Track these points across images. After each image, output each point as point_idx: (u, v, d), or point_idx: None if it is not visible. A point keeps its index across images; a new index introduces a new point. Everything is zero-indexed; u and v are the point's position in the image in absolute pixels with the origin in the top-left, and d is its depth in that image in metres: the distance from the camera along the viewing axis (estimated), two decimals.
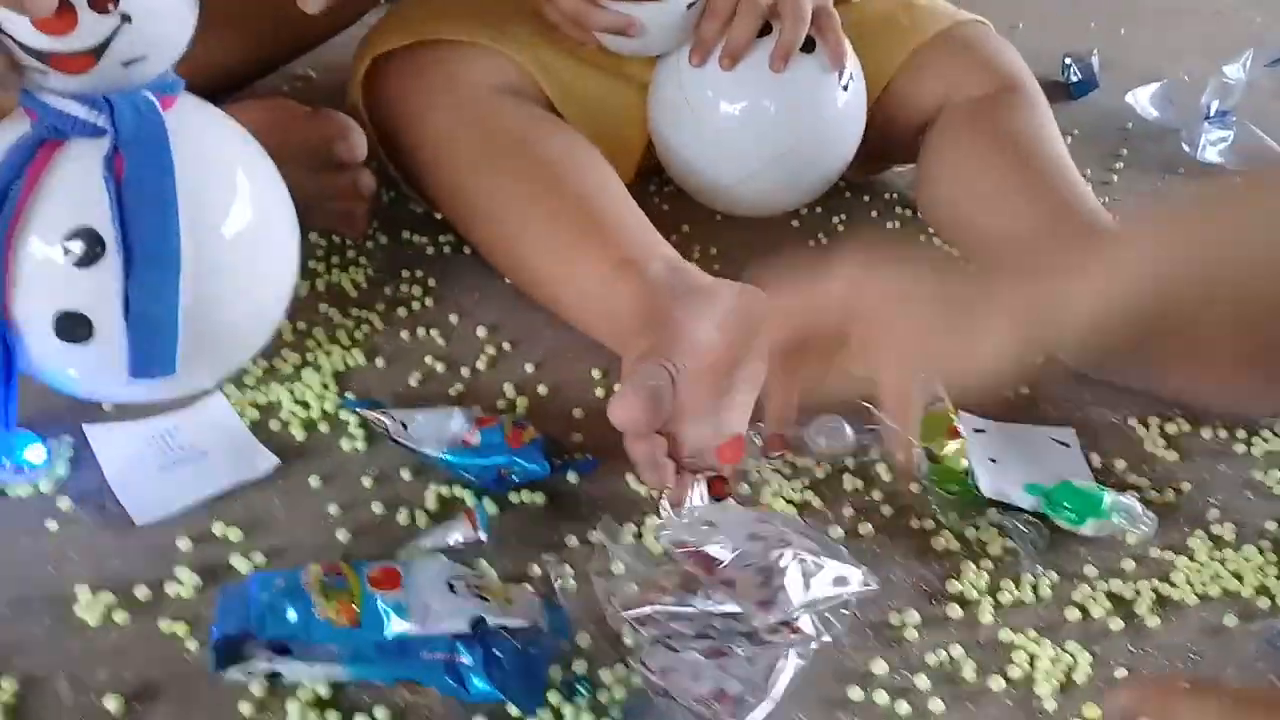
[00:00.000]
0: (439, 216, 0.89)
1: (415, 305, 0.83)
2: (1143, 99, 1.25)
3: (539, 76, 0.86)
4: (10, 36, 0.56)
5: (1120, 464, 0.75)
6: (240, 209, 0.64)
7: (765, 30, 0.84)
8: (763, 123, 0.87)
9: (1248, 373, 0.74)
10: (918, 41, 0.96)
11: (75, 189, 0.59)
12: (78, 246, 0.59)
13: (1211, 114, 1.19)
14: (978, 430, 0.74)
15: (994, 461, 0.71)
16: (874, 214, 1.02)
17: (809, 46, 0.85)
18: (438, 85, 0.83)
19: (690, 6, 0.83)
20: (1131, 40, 1.56)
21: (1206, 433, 0.77)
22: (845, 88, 0.88)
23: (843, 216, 0.99)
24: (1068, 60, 1.31)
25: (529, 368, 0.78)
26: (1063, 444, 0.75)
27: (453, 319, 0.82)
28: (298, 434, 0.69)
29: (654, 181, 0.97)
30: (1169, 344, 0.75)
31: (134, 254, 0.59)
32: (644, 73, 0.90)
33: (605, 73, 0.89)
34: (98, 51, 0.57)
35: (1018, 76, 0.96)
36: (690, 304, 0.69)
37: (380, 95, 0.86)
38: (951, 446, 0.69)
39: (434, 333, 0.80)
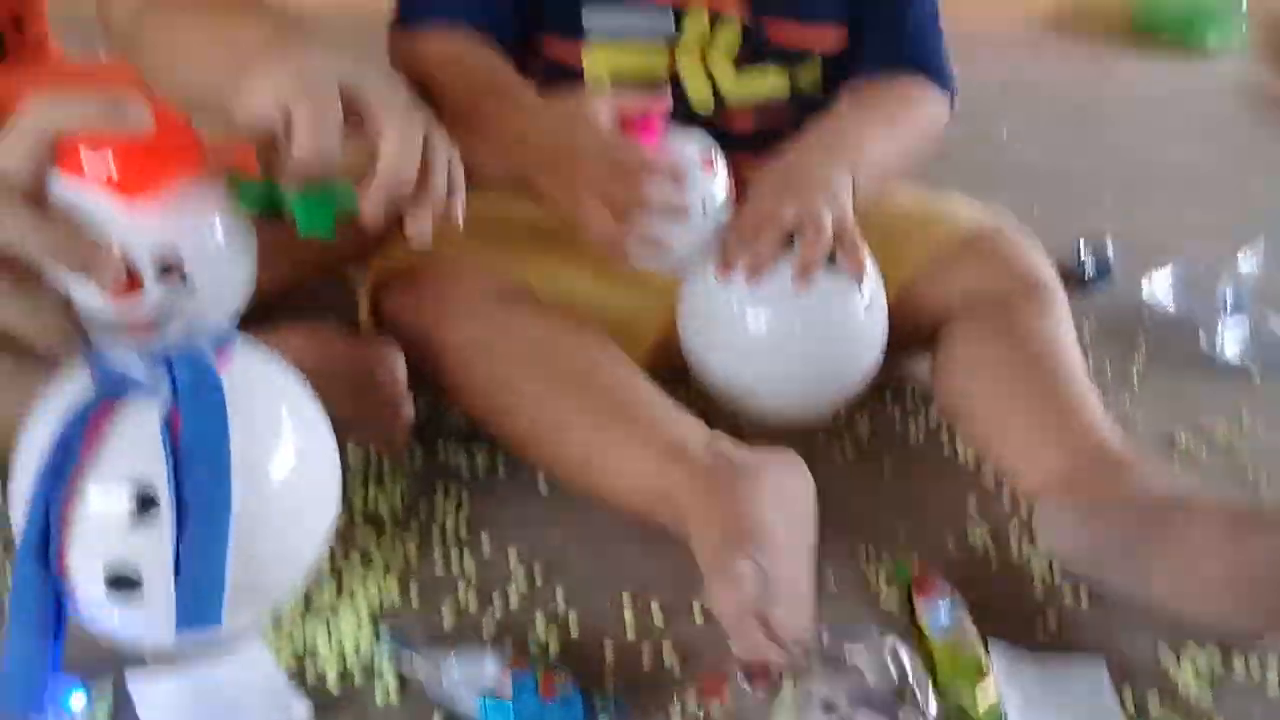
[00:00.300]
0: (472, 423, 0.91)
1: (450, 525, 0.84)
2: (1159, 287, 1.28)
3: (537, 285, 0.89)
4: (77, 301, 0.59)
5: (1152, 701, 0.74)
6: (287, 457, 0.65)
7: (789, 242, 0.87)
8: (786, 335, 0.89)
9: (1233, 585, 0.74)
10: (938, 244, 0.99)
11: (132, 447, 0.61)
12: (132, 503, 0.61)
13: (1228, 307, 1.21)
14: (1009, 668, 0.74)
15: (1025, 702, 0.71)
16: (899, 414, 1.03)
17: (830, 259, 0.87)
18: (445, 300, 0.86)
19: (717, 228, 0.86)
20: (1146, 216, 1.59)
21: (1239, 664, 0.77)
22: (867, 301, 0.90)
23: (868, 419, 1.01)
24: (1082, 249, 1.33)
25: (560, 596, 0.79)
26: (1093, 679, 0.75)
27: (485, 541, 0.83)
28: (333, 680, 0.69)
29: (681, 385, 0.99)
30: (1157, 551, 0.76)
31: (187, 511, 0.60)
32: (644, 272, 0.92)
33: (603, 274, 0.92)
34: (160, 318, 0.59)
35: (1038, 277, 0.98)
36: (744, 487, 0.73)
37: (389, 315, 0.89)
38: (984, 699, 0.69)
39: (467, 558, 0.81)
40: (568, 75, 0.95)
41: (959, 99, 1.06)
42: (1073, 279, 1.31)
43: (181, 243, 0.59)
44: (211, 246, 0.60)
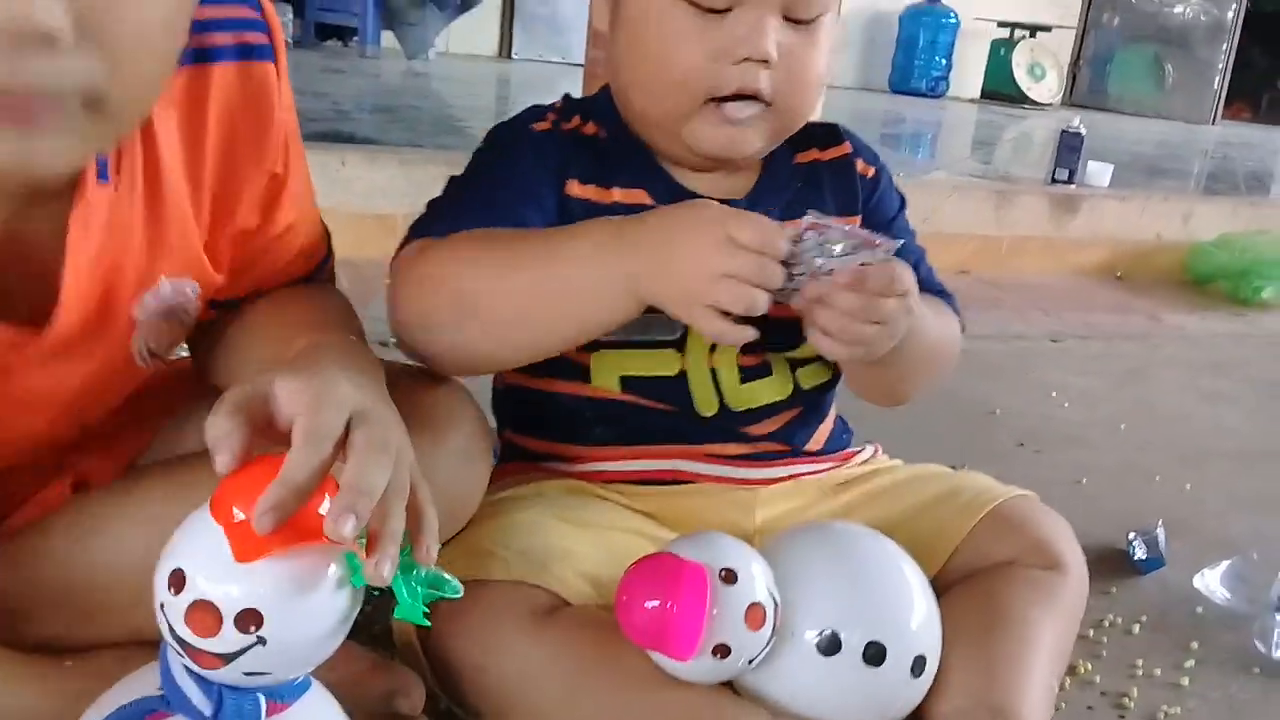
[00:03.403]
0: None
1: None
2: (1212, 581, 1.26)
3: (565, 586, 0.85)
4: (165, 619, 0.61)
5: None
6: None
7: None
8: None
9: None
10: (968, 524, 0.98)
11: None
12: None
13: None
14: None
15: None
16: None
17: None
18: (482, 634, 0.83)
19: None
20: (1200, 494, 1.59)
21: None
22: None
23: None
24: (1132, 536, 1.33)
25: None
26: None
27: None
28: None
29: None
30: None
31: None
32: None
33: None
34: (227, 658, 0.61)
35: (1061, 557, 0.96)
36: None
37: (437, 645, 0.85)
38: None
39: None
40: (574, 376, 0.95)
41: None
42: (1123, 569, 1.31)
43: (268, 604, 0.60)
44: (297, 613, 0.61)
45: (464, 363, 0.86)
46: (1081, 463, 1.66)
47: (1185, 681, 1.10)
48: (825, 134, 1.02)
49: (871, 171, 1.03)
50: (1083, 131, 3.08)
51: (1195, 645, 1.16)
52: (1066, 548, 0.98)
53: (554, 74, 4.88)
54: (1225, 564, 1.28)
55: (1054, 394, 1.98)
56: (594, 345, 0.91)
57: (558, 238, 0.82)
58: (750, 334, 0.75)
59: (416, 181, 2.33)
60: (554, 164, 0.91)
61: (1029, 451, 1.70)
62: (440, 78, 4.21)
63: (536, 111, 0.96)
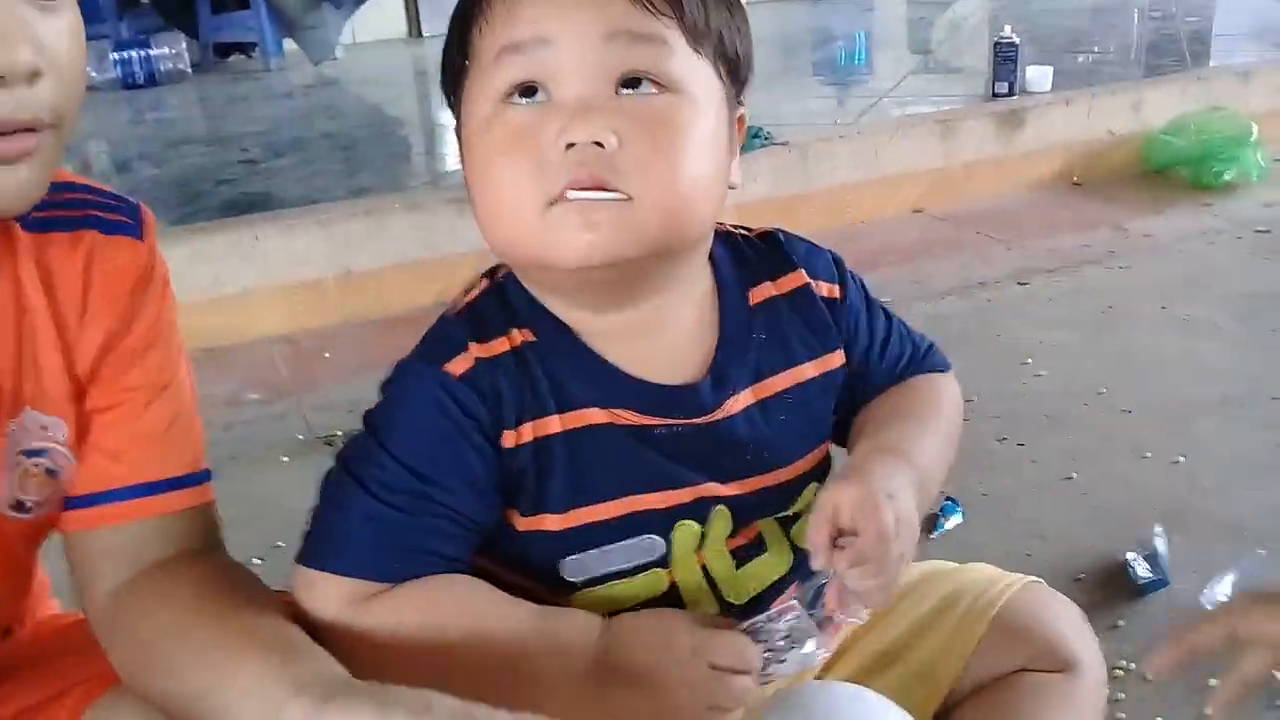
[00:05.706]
0: None
1: None
2: (1221, 596, 1.21)
3: None
4: None
5: None
6: None
7: None
8: None
9: None
10: (972, 638, 0.92)
11: None
12: None
13: None
14: None
15: None
16: None
17: None
18: None
19: None
20: (1193, 472, 1.52)
21: None
22: None
23: None
24: (1132, 557, 1.27)
25: None
26: None
27: None
28: None
29: None
30: None
31: None
32: None
33: None
34: None
35: (1073, 656, 0.88)
36: None
37: None
38: None
39: None
40: None
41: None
42: (1124, 590, 1.26)
43: None
44: None
45: None
46: (1068, 451, 1.60)
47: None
48: (772, 256, 0.87)
49: (837, 291, 0.87)
50: (1016, 40, 2.96)
51: (1214, 682, 1.11)
52: (1077, 643, 0.91)
53: None
54: (1230, 576, 1.22)
55: (1028, 360, 1.91)
56: (571, 586, 0.81)
57: (536, 652, 0.76)
58: (746, 690, 0.77)
59: (339, 238, 2.22)
60: (482, 422, 0.76)
61: (1012, 446, 1.64)
62: (350, 81, 4.05)
63: (451, 341, 0.77)
